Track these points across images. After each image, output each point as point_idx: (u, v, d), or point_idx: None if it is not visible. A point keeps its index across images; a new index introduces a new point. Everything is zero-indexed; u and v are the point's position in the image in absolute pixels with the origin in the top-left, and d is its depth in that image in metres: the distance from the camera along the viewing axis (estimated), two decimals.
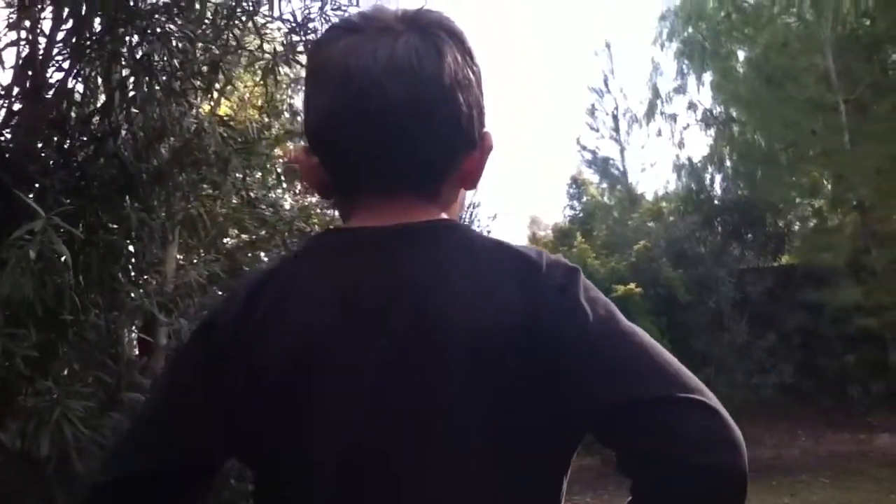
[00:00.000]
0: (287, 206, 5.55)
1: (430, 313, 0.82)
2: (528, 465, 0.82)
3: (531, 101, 33.42)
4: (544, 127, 34.47)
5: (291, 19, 3.96)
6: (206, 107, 4.43)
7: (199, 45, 3.89)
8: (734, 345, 10.81)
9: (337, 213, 1.04)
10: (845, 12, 11.99)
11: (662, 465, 0.75)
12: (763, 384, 10.61)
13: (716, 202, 13.93)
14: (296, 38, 4.03)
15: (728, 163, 15.13)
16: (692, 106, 16.01)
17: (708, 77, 15.53)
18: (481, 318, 0.81)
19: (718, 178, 15.38)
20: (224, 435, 0.88)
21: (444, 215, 0.92)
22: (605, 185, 13.86)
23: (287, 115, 6.43)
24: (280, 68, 4.09)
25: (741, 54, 14.57)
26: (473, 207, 11.56)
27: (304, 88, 0.96)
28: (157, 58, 3.65)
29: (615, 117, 14.00)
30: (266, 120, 5.04)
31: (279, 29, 4.21)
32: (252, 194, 4.40)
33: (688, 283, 11.12)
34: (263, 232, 5.98)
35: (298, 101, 7.88)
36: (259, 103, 5.09)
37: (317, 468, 0.81)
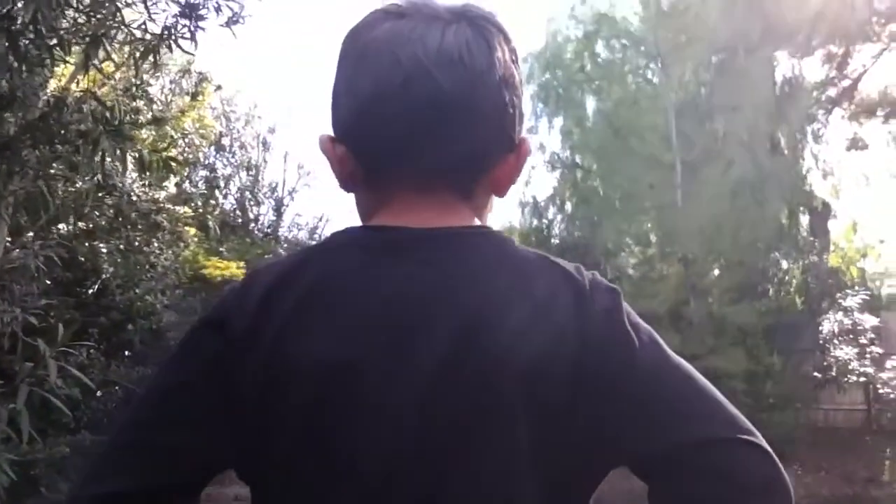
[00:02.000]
0: (143, 197, 5.16)
1: (479, 330, 0.77)
2: (567, 490, 0.79)
3: None
4: None
5: (183, 1, 3.71)
6: (70, 81, 4.03)
7: (75, 13, 3.54)
8: None
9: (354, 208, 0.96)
10: (687, 79, 13.07)
11: None
12: None
13: (555, 241, 14.57)
14: (183, 21, 3.79)
15: (568, 205, 15.90)
16: (541, 147, 16.70)
17: (559, 122, 16.31)
18: (531, 341, 0.78)
19: (559, 218, 16.12)
20: (230, 444, 0.79)
21: (477, 221, 0.89)
22: None
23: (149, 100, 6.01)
24: (161, 51, 3.82)
25: (593, 105, 15.44)
26: (327, 221, 11.39)
27: (338, 72, 0.90)
28: (19, 19, 3.30)
29: None
30: (133, 104, 4.66)
31: (164, 11, 3.94)
32: (110, 181, 4.02)
33: None
34: (104, 223, 5.53)
35: (156, 88, 7.44)
36: (125, 84, 4.69)
37: (353, 485, 0.75)
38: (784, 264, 12.97)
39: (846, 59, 14.54)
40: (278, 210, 12.62)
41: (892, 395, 11.56)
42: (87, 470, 0.81)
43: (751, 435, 0.76)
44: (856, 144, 15.37)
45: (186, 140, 8.15)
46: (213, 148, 11.51)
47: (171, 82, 8.63)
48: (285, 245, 11.65)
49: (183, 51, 3.81)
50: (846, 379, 11.57)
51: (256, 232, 12.09)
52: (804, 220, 13.49)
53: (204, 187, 10.81)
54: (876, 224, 14.77)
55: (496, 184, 0.91)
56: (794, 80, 13.83)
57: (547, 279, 0.83)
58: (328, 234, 0.91)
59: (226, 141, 11.71)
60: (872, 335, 11.86)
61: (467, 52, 0.83)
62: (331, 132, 0.90)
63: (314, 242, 1.05)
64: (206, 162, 11.20)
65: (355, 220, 0.94)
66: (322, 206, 13.53)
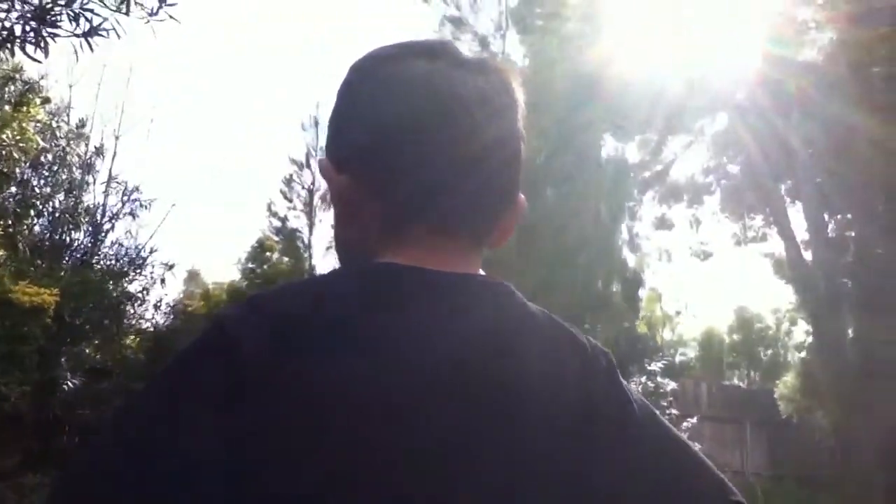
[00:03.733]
0: None
1: (508, 382, 0.76)
2: None
3: (227, 159, 32.35)
4: (231, 183, 33.53)
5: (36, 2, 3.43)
6: None
7: None
8: None
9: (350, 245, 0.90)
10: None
11: None
12: None
13: None
14: (32, 24, 3.49)
15: None
16: None
17: None
18: (552, 396, 0.78)
19: None
20: (235, 484, 0.68)
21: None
22: (286, 259, 13.86)
23: None
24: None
25: None
26: (151, 252, 10.75)
27: (347, 99, 0.86)
28: None
29: (310, 192, 14.16)
30: None
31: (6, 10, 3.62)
32: None
33: None
34: None
35: None
36: None
37: None
38: (599, 328, 13.79)
39: (660, 146, 16.00)
40: (95, 236, 11.77)
41: None
42: None
43: (740, 497, 0.81)
44: (663, 224, 16.88)
45: (4, 152, 7.44)
46: (28, 164, 10.60)
47: None
48: (99, 274, 10.84)
49: (29, 57, 3.52)
50: None
51: (70, 257, 11.18)
52: (617, 287, 14.47)
53: (17, 206, 9.88)
54: (673, 297, 16.21)
55: (499, 235, 0.89)
56: (617, 160, 14.94)
57: (558, 338, 0.84)
58: (339, 267, 0.86)
59: (47, 158, 10.82)
60: (671, 398, 12.87)
61: (499, 101, 0.83)
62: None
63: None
64: (23, 178, 10.27)
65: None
66: (146, 236, 12.73)
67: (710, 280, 52.82)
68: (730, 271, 49.81)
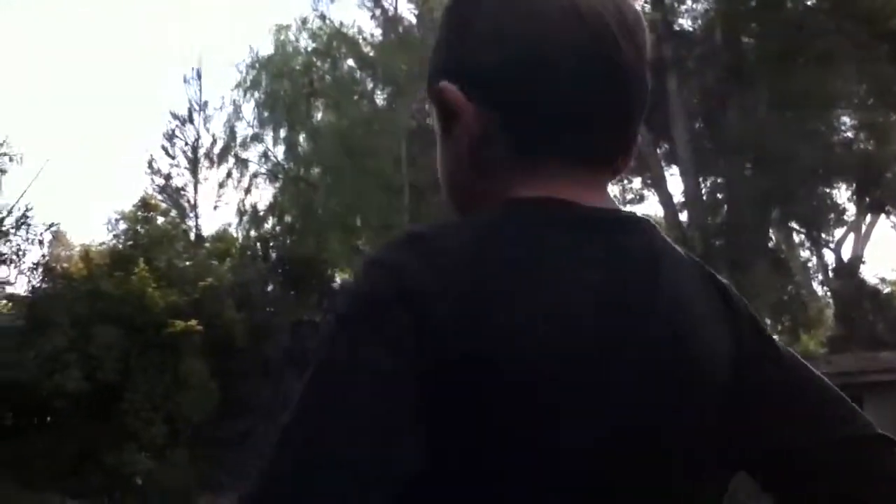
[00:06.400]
0: None
1: (683, 333, 0.74)
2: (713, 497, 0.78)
3: (104, 109, 29.98)
4: (107, 140, 31.19)
5: None
6: None
7: None
8: (282, 394, 11.07)
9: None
10: (414, 108, 13.70)
11: None
12: None
13: (273, 253, 14.30)
14: None
15: (289, 217, 15.73)
16: (265, 156, 16.34)
17: (283, 132, 16.10)
18: (715, 341, 0.76)
19: (279, 229, 15.85)
20: (427, 445, 0.65)
21: None
22: (174, 215, 13.23)
23: None
24: None
25: (322, 119, 15.49)
26: (27, 209, 9.99)
27: (475, 17, 0.78)
28: None
29: (195, 149, 13.55)
30: None
31: None
32: None
33: (248, 328, 11.12)
34: None
35: None
36: None
37: (548, 492, 0.68)
38: None
39: None
40: None
41: None
42: None
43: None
44: None
45: None
46: None
47: None
48: None
49: None
50: None
51: None
52: None
53: None
54: None
55: (626, 164, 0.84)
56: None
57: (703, 275, 0.83)
58: (492, 206, 0.78)
59: None
60: None
61: (639, 27, 0.78)
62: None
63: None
64: None
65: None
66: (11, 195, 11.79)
67: None
68: None
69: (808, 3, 14.03)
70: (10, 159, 10.19)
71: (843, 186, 13.51)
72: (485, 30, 0.76)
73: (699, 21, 14.95)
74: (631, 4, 0.78)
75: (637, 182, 17.60)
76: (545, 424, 0.68)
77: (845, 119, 14.63)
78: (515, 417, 0.67)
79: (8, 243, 9.87)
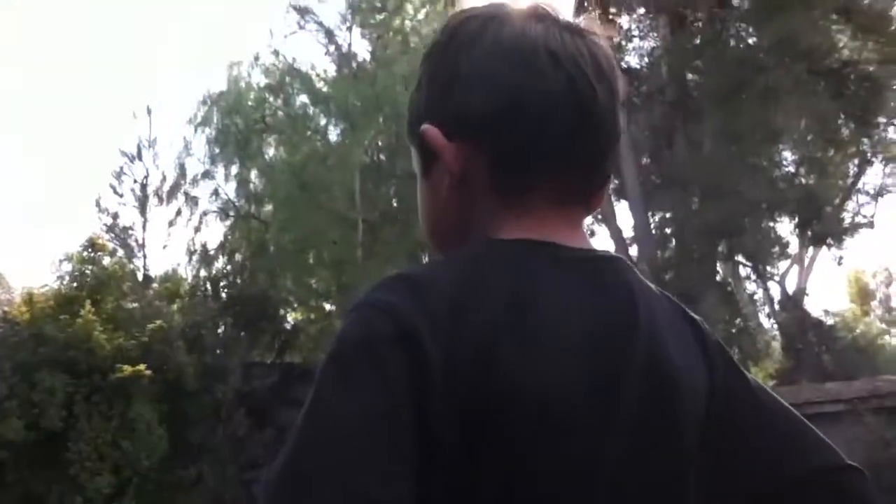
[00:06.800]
0: None
1: (661, 363, 0.77)
2: None
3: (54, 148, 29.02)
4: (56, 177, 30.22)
5: None
6: None
7: None
8: (233, 436, 10.84)
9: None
10: (367, 144, 13.74)
11: None
12: (255, 479, 10.78)
13: (224, 293, 14.07)
14: None
15: (238, 256, 15.53)
16: (215, 194, 16.13)
17: (235, 169, 15.94)
18: (691, 374, 0.79)
19: (229, 268, 15.62)
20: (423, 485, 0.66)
21: None
22: (121, 255, 12.95)
23: None
24: None
25: (273, 155, 15.40)
26: None
27: (456, 63, 0.81)
28: None
29: (144, 187, 13.33)
30: None
31: None
32: None
33: (199, 371, 10.87)
34: None
35: None
36: None
37: None
38: None
39: None
40: None
41: None
42: None
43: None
44: None
45: None
46: None
47: None
48: None
49: None
50: None
51: None
52: None
53: None
54: None
55: (598, 203, 0.88)
56: None
57: (674, 309, 0.85)
58: (475, 245, 0.80)
59: None
60: None
61: (610, 71, 0.81)
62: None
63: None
64: None
65: None
66: None
67: None
68: None
69: (750, 41, 14.49)
70: None
71: (787, 220, 13.85)
72: (469, 75, 0.79)
73: (645, 58, 15.36)
74: (604, 49, 0.82)
75: (588, 217, 17.86)
76: (545, 456, 0.69)
77: (787, 154, 15.08)
78: (516, 451, 0.68)
79: None
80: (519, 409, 0.68)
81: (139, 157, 13.42)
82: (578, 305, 0.75)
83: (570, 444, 0.70)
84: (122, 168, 13.36)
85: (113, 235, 12.74)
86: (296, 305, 14.53)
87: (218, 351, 11.43)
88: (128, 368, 9.99)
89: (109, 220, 12.94)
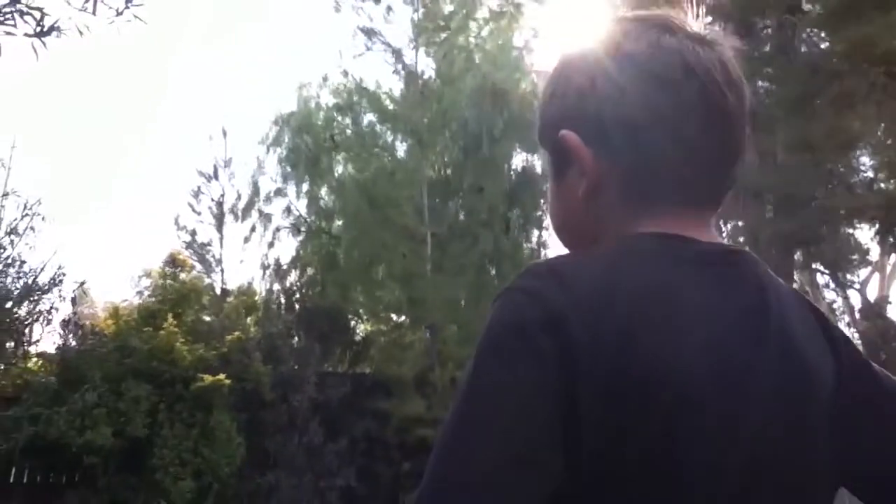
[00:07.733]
0: None
1: (792, 354, 0.79)
2: None
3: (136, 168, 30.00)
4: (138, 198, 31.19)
5: None
6: None
7: None
8: (309, 446, 11.05)
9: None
10: (437, 159, 13.93)
11: None
12: (330, 487, 10.96)
13: (297, 305, 14.41)
14: None
15: (310, 270, 15.84)
16: (287, 210, 16.55)
17: (306, 186, 16.34)
18: (819, 364, 0.81)
19: (302, 281, 15.95)
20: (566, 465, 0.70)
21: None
22: (200, 270, 13.45)
23: None
24: None
25: (342, 172, 15.74)
26: (60, 270, 10.20)
27: (593, 75, 0.85)
28: None
29: (220, 205, 13.81)
30: None
31: None
32: None
33: (275, 381, 11.16)
34: None
35: None
36: None
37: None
38: None
39: None
40: None
41: None
42: None
43: None
44: None
45: None
46: None
47: None
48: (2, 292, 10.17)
49: None
50: None
51: None
52: None
53: None
54: None
55: (720, 206, 0.91)
56: (525, 170, 15.29)
57: (800, 301, 0.86)
58: (615, 238, 0.83)
59: None
60: None
61: (739, 80, 0.85)
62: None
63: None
64: None
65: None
66: (49, 252, 12.04)
67: None
68: None
69: (822, 46, 14.13)
70: (43, 219, 10.39)
71: (866, 226, 13.38)
72: (605, 87, 0.84)
73: None
74: (732, 60, 0.87)
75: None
76: (688, 445, 0.71)
77: (864, 160, 14.60)
78: (661, 438, 0.70)
79: (42, 302, 10.02)
80: (659, 397, 0.70)
81: (215, 176, 13.90)
82: (714, 298, 0.77)
83: (704, 431, 0.72)
84: (199, 187, 13.86)
85: (192, 251, 13.19)
86: (366, 318, 14.75)
87: (292, 362, 11.69)
88: (208, 378, 10.32)
89: (188, 237, 13.42)
